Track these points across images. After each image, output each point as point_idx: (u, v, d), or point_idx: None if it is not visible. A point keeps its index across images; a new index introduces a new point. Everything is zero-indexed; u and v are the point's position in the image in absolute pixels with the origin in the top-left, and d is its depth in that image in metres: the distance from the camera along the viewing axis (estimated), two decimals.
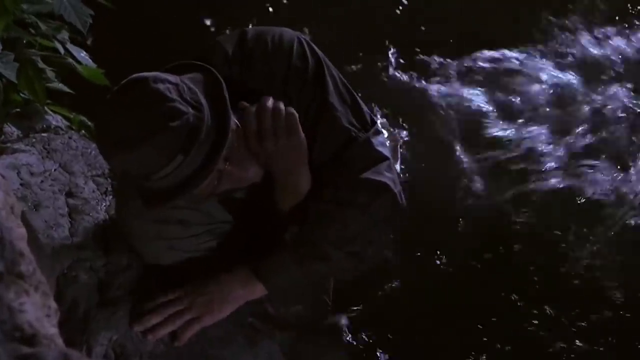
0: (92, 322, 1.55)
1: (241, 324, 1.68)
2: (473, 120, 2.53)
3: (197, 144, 1.40)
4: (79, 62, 1.98)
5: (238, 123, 1.52)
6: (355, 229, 1.58)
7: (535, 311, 2.00)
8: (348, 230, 1.57)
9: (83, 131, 2.10)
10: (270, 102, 1.57)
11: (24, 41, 1.93)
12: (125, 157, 1.42)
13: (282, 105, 1.56)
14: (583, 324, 1.98)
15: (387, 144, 1.95)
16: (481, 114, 2.57)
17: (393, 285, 1.95)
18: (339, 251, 1.58)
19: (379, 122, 2.01)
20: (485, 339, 1.87)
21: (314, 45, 1.64)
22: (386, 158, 1.63)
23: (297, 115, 1.57)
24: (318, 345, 1.79)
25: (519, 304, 2.01)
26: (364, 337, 1.83)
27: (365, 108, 1.67)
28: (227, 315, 1.62)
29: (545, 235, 2.20)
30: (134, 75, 1.46)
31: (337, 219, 1.57)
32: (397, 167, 1.95)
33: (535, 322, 1.97)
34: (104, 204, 1.81)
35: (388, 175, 1.60)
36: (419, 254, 2.00)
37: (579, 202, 2.30)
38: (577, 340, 1.96)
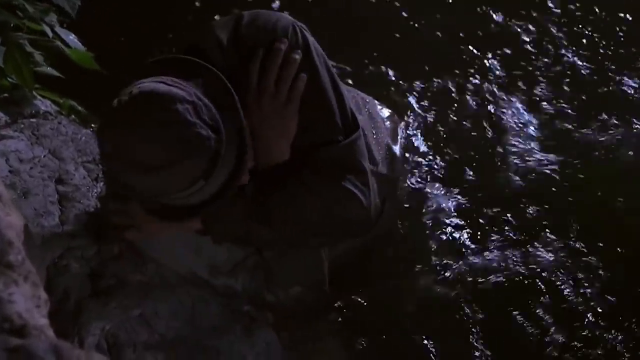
0: (84, 313, 1.54)
1: (238, 313, 1.67)
2: None
3: (217, 168, 1.40)
4: (67, 46, 1.95)
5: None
6: (311, 218, 1.59)
7: None
8: (304, 214, 1.58)
9: (73, 116, 2.08)
10: (283, 45, 1.55)
11: (11, 24, 1.89)
12: (142, 180, 1.38)
13: (297, 56, 1.56)
14: None
15: (387, 125, 1.94)
16: None
17: (394, 270, 1.92)
18: (285, 226, 1.59)
19: (376, 102, 1.99)
20: (492, 328, 1.84)
21: (307, 33, 1.60)
22: (365, 171, 1.62)
23: (305, 80, 1.56)
24: (316, 333, 1.77)
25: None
26: (363, 324, 1.81)
27: (349, 106, 1.63)
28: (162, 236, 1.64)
29: None
30: (145, 89, 1.36)
31: (299, 200, 1.58)
32: (397, 149, 1.92)
33: None
34: (95, 190, 1.80)
35: (362, 189, 1.60)
36: (422, 240, 1.98)
37: None
38: None
